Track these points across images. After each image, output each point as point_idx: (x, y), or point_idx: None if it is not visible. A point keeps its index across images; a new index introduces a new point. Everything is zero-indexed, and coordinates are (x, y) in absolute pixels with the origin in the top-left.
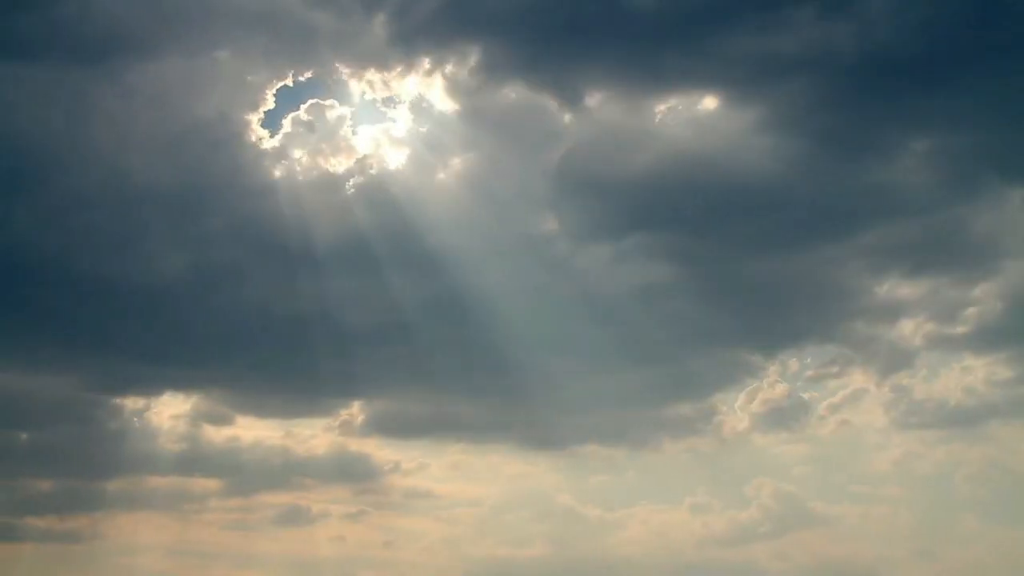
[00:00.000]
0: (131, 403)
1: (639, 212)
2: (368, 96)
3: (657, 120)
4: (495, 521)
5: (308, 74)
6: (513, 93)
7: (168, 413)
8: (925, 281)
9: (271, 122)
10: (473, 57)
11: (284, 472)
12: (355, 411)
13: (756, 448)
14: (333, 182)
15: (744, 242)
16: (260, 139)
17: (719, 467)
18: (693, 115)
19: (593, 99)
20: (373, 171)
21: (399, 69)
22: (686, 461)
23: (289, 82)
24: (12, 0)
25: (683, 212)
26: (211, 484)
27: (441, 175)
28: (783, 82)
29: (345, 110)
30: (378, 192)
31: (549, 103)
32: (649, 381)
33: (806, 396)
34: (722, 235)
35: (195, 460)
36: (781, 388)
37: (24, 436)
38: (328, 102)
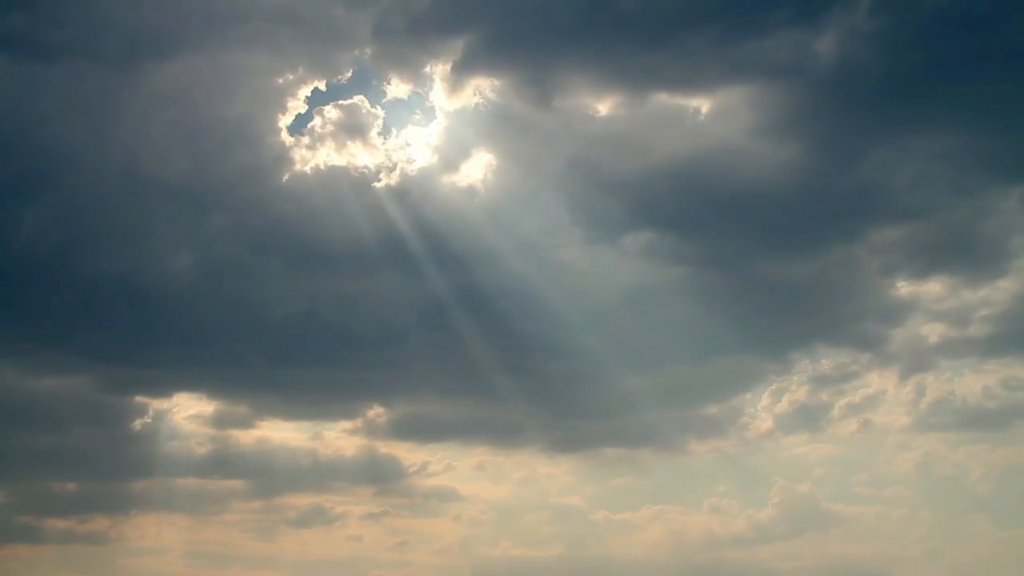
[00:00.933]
0: (156, 404)
1: (647, 210)
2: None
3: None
4: (513, 522)
5: (338, 77)
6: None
7: (191, 415)
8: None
9: (299, 124)
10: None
11: (306, 474)
12: (378, 413)
13: (778, 449)
14: (358, 182)
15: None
16: (287, 140)
17: (742, 468)
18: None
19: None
20: (398, 171)
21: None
22: (709, 462)
23: (321, 85)
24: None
25: (694, 212)
26: (233, 485)
27: (470, 177)
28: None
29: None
30: (405, 192)
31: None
32: (673, 383)
33: (827, 397)
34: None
35: (218, 462)
36: (803, 389)
37: (47, 438)
38: (354, 100)
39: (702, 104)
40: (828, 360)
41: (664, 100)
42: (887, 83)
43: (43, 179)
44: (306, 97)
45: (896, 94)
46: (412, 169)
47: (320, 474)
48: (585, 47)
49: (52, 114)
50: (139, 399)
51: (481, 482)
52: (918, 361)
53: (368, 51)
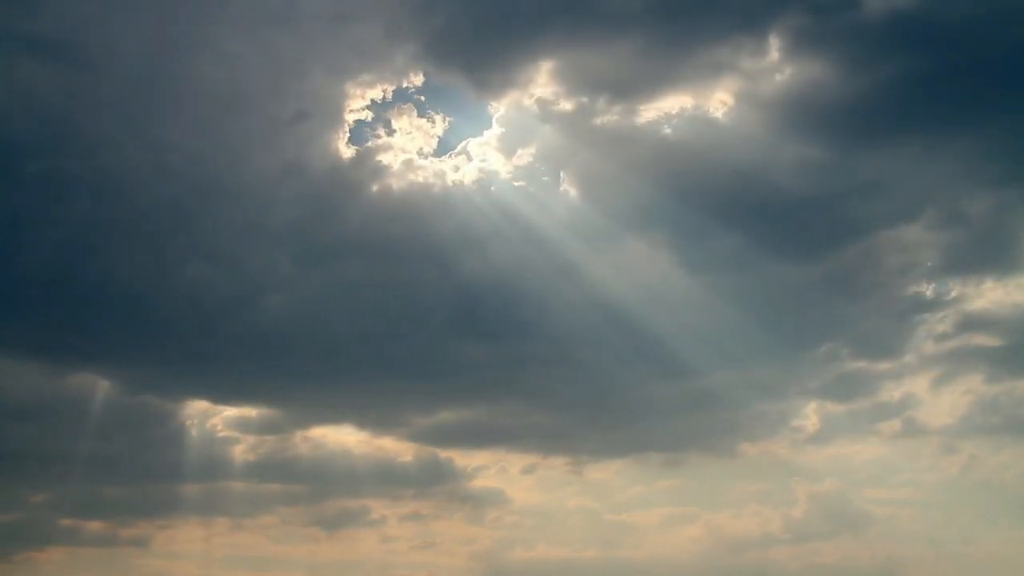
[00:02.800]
0: (206, 409)
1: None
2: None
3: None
4: (549, 526)
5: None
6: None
7: (238, 419)
8: None
9: (359, 134)
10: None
11: (347, 479)
12: (423, 419)
13: (825, 452)
14: (420, 191)
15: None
16: (345, 149)
17: (788, 471)
18: None
19: None
20: (462, 180)
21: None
22: (756, 465)
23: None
24: None
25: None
26: (274, 489)
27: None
28: None
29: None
30: (465, 202)
31: None
32: (722, 386)
33: (873, 401)
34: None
35: (263, 467)
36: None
37: (98, 443)
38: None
39: None
40: (870, 361)
41: None
42: None
43: (96, 183)
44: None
45: None
46: (467, 178)
47: (361, 478)
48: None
49: (92, 115)
50: (189, 403)
51: (520, 488)
52: (964, 363)
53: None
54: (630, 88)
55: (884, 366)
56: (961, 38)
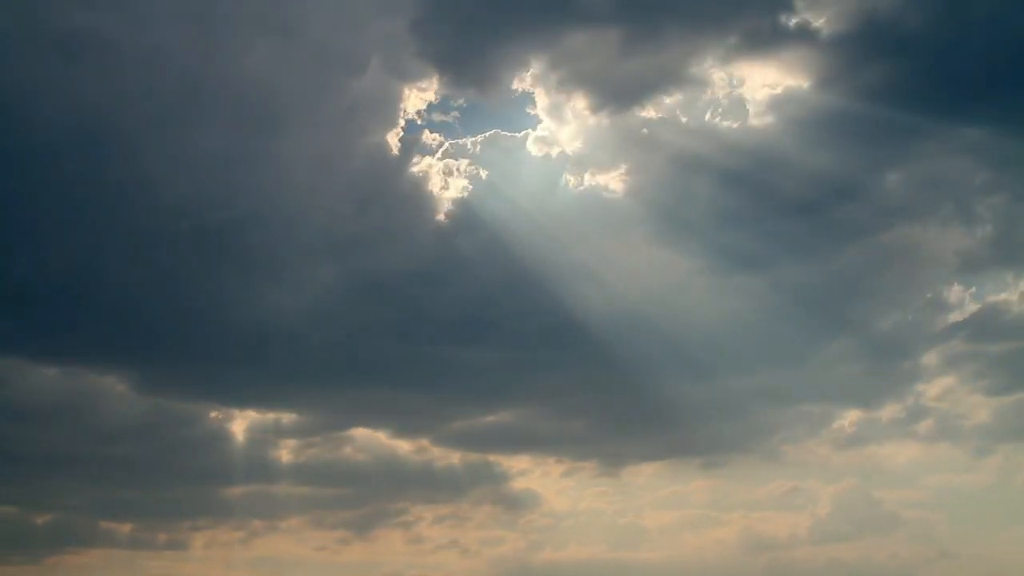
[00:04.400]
0: (254, 416)
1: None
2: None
3: None
4: (572, 530)
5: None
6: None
7: (273, 423)
8: None
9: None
10: None
11: (379, 482)
12: (457, 423)
13: (868, 456)
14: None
15: None
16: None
17: (829, 472)
18: None
19: None
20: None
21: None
22: (796, 467)
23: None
24: None
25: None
26: (303, 492)
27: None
28: None
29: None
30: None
31: None
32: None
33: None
34: None
35: (298, 471)
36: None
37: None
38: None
39: None
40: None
41: None
42: None
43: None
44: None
45: None
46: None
47: (394, 481)
48: None
49: (135, 118)
50: (225, 410)
51: (558, 489)
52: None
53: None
54: None
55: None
56: None
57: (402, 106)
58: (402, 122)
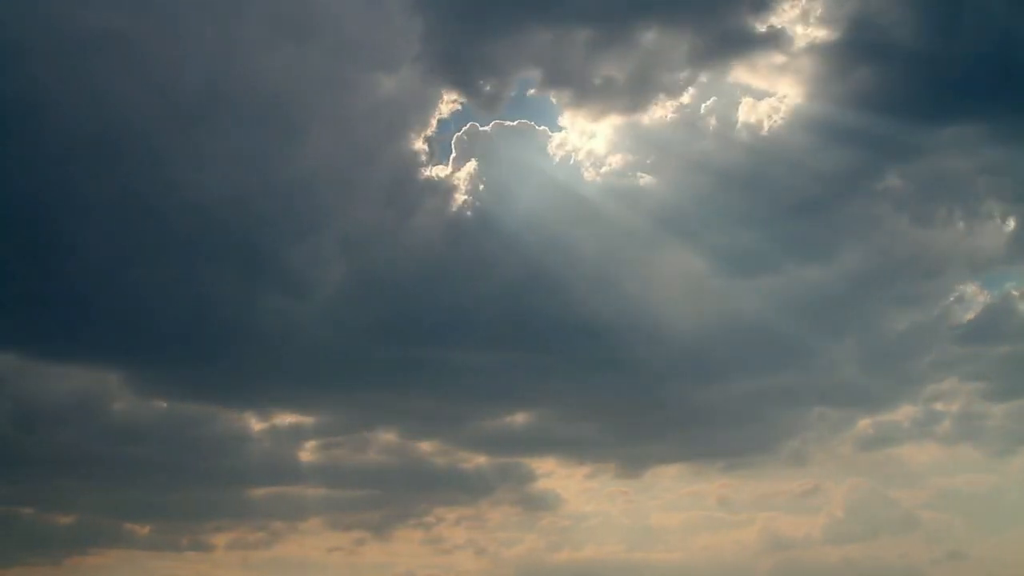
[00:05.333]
0: (277, 418)
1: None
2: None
3: None
4: (589, 531)
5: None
6: None
7: (297, 426)
8: None
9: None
10: None
11: (403, 484)
12: (478, 425)
13: (886, 457)
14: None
15: None
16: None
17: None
18: None
19: None
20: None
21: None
22: (820, 470)
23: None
24: None
25: None
26: (320, 493)
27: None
28: None
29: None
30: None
31: None
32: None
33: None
34: None
35: (318, 472)
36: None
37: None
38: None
39: None
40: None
41: None
42: None
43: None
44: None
45: None
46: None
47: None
48: None
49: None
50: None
51: (577, 491)
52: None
53: None
54: None
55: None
56: None
57: (430, 107)
58: (433, 123)
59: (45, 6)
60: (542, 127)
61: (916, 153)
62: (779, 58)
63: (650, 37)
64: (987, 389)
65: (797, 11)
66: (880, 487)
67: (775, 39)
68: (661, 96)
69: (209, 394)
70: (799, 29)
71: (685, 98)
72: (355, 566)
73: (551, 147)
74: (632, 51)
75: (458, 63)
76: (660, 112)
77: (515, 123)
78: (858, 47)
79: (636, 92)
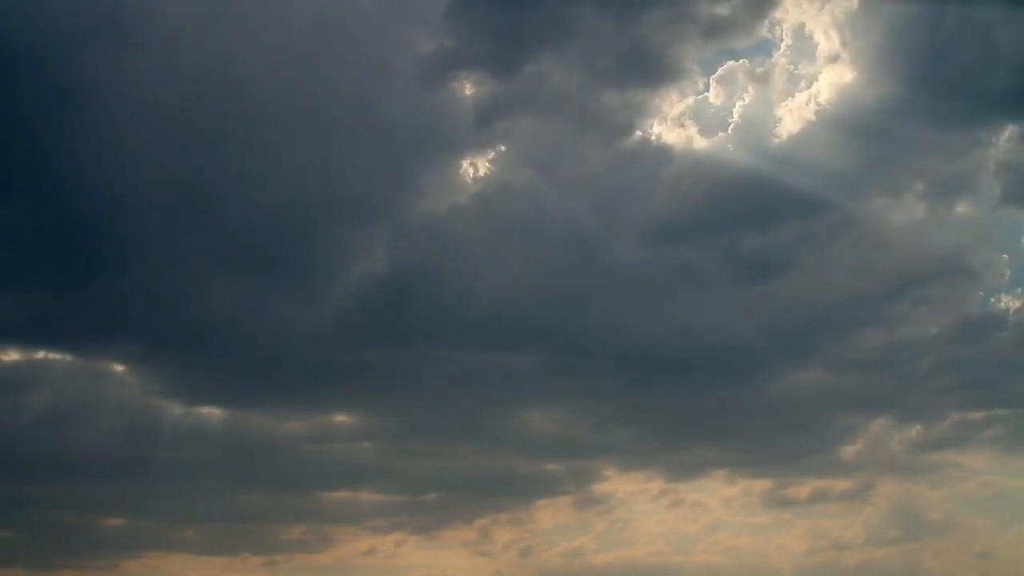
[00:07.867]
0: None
1: None
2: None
3: None
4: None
5: None
6: None
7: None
8: None
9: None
10: None
11: (447, 488)
12: (515, 430)
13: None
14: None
15: None
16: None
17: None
18: None
19: None
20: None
21: None
22: (852, 475)
23: None
24: None
25: None
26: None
27: None
28: None
29: None
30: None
31: None
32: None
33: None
34: None
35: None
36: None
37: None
38: None
39: None
40: None
41: None
42: None
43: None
44: None
45: None
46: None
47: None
48: None
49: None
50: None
51: (636, 497)
52: None
53: None
54: None
55: None
56: None
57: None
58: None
59: None
60: None
61: None
62: None
63: None
64: None
65: None
66: (928, 491)
67: None
68: None
69: (264, 399)
70: None
71: None
72: (397, 568)
73: None
74: None
75: None
76: None
77: None
78: None
79: None
